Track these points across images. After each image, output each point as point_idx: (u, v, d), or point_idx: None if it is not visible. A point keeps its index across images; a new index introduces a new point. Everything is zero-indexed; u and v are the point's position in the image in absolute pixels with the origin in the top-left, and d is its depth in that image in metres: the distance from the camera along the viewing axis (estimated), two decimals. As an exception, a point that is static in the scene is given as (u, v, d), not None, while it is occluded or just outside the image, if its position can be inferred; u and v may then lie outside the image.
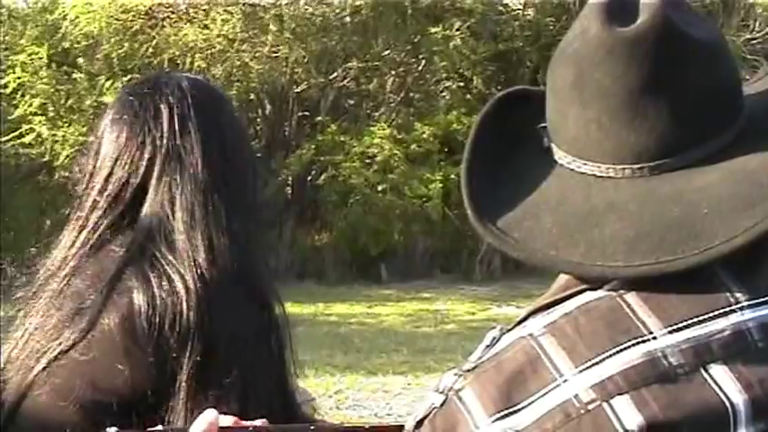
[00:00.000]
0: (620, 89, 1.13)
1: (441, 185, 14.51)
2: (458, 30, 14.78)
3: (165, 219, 1.67)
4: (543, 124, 1.21)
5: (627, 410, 1.04)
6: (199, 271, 1.60)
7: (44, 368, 1.61)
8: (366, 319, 11.79)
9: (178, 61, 13.96)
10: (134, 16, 14.25)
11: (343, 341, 10.20)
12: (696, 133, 1.14)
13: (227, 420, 1.45)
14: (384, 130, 14.77)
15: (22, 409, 1.62)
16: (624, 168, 1.14)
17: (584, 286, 1.13)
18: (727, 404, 1.05)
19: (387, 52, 15.40)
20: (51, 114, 13.65)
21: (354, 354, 9.58)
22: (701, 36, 1.15)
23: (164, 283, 1.59)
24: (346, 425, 1.59)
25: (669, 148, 1.13)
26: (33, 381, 1.62)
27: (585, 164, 1.15)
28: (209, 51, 14.24)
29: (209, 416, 1.45)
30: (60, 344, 1.61)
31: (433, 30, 14.87)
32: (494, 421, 1.06)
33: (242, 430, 1.44)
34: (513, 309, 12.03)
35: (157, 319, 1.57)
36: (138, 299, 1.58)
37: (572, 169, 1.17)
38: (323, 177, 14.92)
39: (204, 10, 14.36)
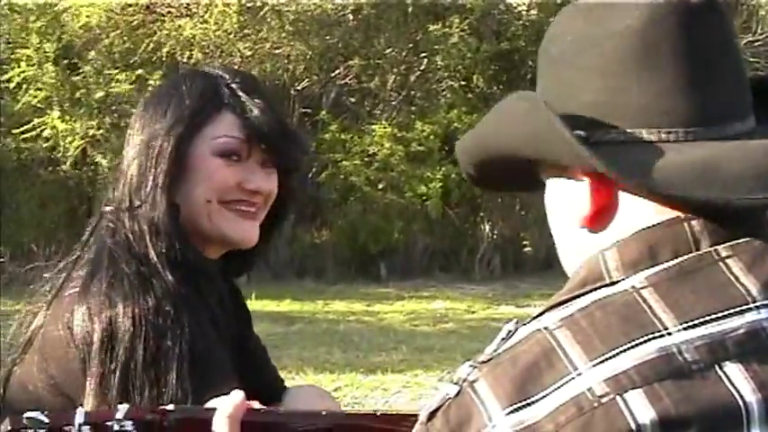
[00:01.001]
0: (695, 53, 1.15)
1: (440, 184, 14.52)
2: (458, 28, 14.77)
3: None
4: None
5: (640, 405, 1.03)
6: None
7: (14, 363, 1.72)
8: (365, 317, 11.79)
9: (177, 56, 13.97)
10: (134, 11, 14.24)
11: (341, 339, 10.20)
12: (747, 104, 1.18)
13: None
14: (385, 128, 14.77)
15: (8, 387, 1.73)
16: (699, 130, 1.15)
17: (600, 283, 1.12)
18: (741, 403, 1.05)
19: (389, 50, 15.40)
20: (57, 109, 13.66)
21: (353, 352, 9.58)
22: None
23: (101, 299, 1.64)
24: (359, 411, 1.60)
25: (736, 112, 1.16)
26: (10, 371, 1.73)
27: (657, 132, 1.15)
28: (208, 48, 14.24)
29: (237, 397, 1.45)
30: (22, 340, 1.72)
31: (433, 27, 14.87)
32: (507, 414, 1.06)
33: (255, 412, 1.45)
34: (513, 308, 12.04)
35: (91, 332, 1.62)
36: (78, 309, 1.65)
37: (642, 140, 1.16)
38: (323, 175, 14.92)
39: (205, 5, 14.36)
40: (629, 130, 1.16)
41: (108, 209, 1.75)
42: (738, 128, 1.15)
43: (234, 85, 1.79)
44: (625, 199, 1.16)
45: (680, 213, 1.13)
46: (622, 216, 1.17)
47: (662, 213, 1.14)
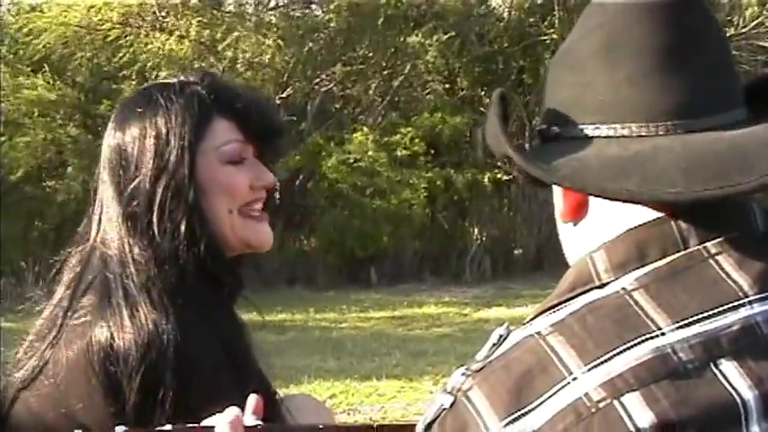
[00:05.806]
0: (655, 47, 1.14)
1: (426, 188, 14.52)
2: (436, 34, 14.78)
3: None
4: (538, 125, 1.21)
5: (638, 408, 1.02)
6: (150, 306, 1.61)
7: (20, 388, 1.65)
8: (358, 323, 11.78)
9: (155, 70, 13.94)
10: (110, 27, 14.21)
11: (335, 346, 10.17)
12: (721, 99, 1.16)
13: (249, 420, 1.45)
14: (367, 134, 14.75)
15: (11, 416, 1.66)
16: (658, 125, 1.13)
17: (590, 285, 1.11)
18: (738, 400, 1.04)
19: (371, 55, 15.40)
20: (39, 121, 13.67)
21: (347, 358, 9.56)
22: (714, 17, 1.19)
23: (121, 320, 1.60)
24: (356, 424, 1.59)
25: (700, 107, 1.14)
26: (15, 396, 1.66)
27: (613, 128, 1.15)
28: (185, 61, 14.19)
29: (233, 414, 1.44)
30: (32, 364, 1.65)
31: (413, 33, 14.89)
32: (506, 425, 1.04)
33: (252, 429, 1.44)
34: (505, 309, 12.03)
35: (113, 354, 1.58)
36: (97, 333, 1.60)
37: (599, 136, 1.15)
38: (310, 182, 14.90)
39: (183, 18, 14.33)
40: (589, 126, 1.16)
41: (108, 239, 1.70)
42: (709, 122, 1.13)
43: (211, 90, 1.75)
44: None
45: (666, 212, 1.12)
46: (604, 212, 1.16)
47: (648, 212, 1.13)
